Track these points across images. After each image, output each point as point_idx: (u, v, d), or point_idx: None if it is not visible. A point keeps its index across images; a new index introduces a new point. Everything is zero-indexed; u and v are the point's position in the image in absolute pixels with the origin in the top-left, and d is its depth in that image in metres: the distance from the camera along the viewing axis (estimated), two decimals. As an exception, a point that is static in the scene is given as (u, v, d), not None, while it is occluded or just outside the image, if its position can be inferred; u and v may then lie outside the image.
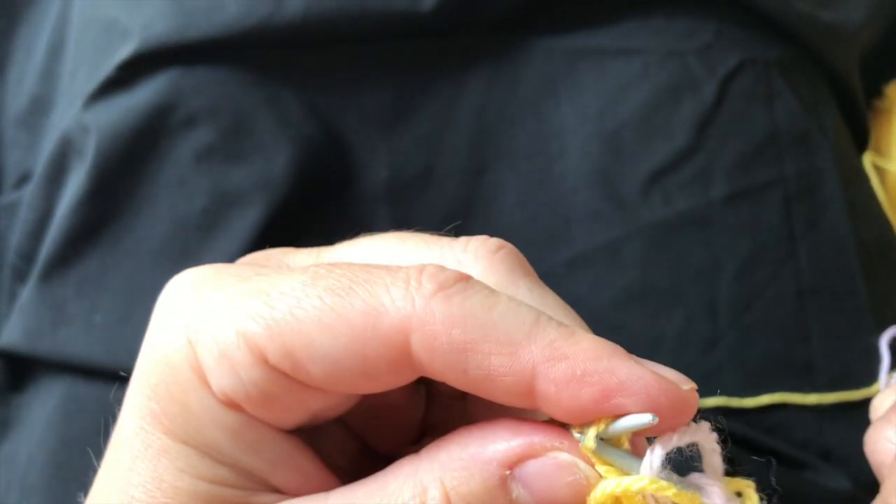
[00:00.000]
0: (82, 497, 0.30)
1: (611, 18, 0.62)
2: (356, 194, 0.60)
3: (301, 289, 0.26)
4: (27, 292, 0.57)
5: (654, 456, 0.25)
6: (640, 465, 0.25)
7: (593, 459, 0.25)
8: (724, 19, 0.62)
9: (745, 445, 0.54)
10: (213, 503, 0.27)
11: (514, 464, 0.25)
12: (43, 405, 0.55)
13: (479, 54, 0.61)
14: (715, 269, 0.57)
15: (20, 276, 0.60)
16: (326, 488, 0.28)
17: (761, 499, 0.27)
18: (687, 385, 0.26)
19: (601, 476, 0.25)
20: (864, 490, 0.52)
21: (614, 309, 0.57)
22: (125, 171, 0.57)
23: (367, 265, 0.27)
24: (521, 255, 0.31)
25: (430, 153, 0.60)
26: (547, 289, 0.30)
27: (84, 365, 0.54)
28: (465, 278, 0.26)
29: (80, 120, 0.58)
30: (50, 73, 0.63)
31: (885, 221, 0.66)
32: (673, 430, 0.25)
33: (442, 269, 0.26)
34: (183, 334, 0.27)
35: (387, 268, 0.26)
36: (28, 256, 0.60)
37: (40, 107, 0.63)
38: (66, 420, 0.54)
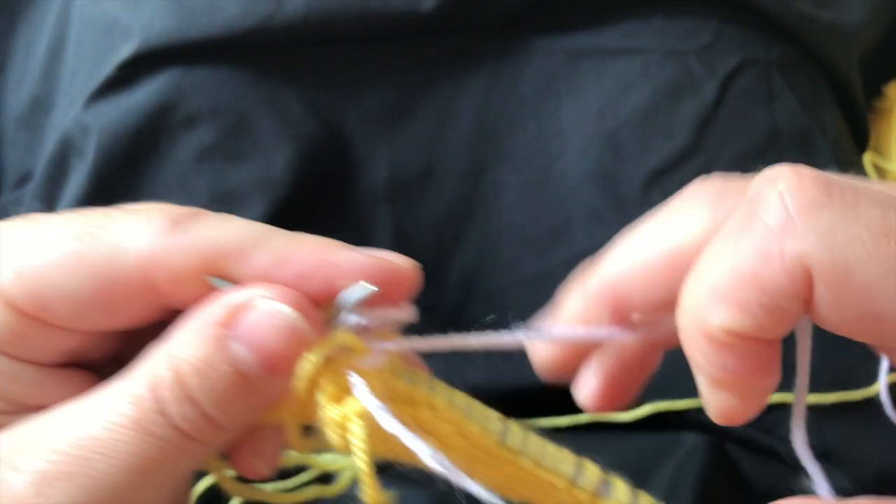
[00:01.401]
0: None
1: (611, 18, 0.62)
2: (356, 194, 0.60)
3: (49, 237, 0.28)
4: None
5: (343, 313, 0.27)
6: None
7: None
8: (724, 19, 0.62)
9: (745, 445, 0.54)
10: None
11: (228, 321, 0.26)
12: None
13: (480, 54, 0.61)
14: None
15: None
16: None
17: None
18: (403, 262, 0.29)
19: (310, 326, 0.27)
20: (865, 490, 0.52)
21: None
22: (126, 170, 0.57)
23: (110, 210, 0.29)
24: None
25: (431, 153, 0.60)
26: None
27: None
28: (195, 213, 0.28)
29: (81, 120, 0.58)
30: (50, 73, 0.63)
31: (885, 221, 0.66)
32: (396, 301, 0.28)
33: (174, 206, 0.28)
34: None
35: (124, 209, 0.28)
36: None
37: (41, 107, 0.64)
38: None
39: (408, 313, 0.29)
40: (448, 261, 0.60)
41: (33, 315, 0.27)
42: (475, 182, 0.60)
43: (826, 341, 0.59)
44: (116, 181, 0.57)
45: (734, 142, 0.60)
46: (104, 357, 0.30)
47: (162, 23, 0.58)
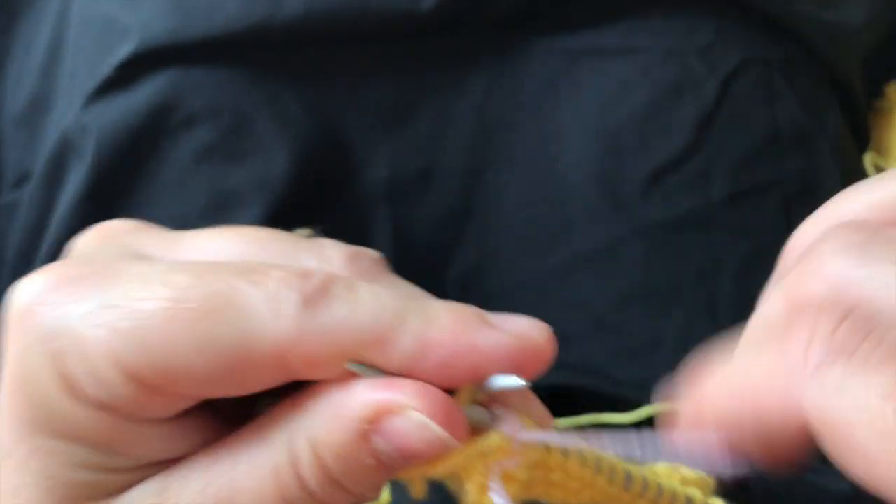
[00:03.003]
0: None
1: (611, 18, 0.62)
2: (356, 194, 0.59)
3: (170, 308, 0.26)
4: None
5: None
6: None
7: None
8: (724, 19, 0.62)
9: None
10: (107, 486, 0.27)
11: (373, 419, 0.26)
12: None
13: (480, 54, 0.61)
14: (715, 269, 0.57)
15: (20, 276, 0.60)
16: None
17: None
18: (541, 336, 0.28)
19: (458, 442, 0.26)
20: (865, 492, 0.52)
21: (614, 309, 0.57)
22: (125, 170, 0.57)
23: (232, 273, 0.26)
24: (377, 255, 0.31)
25: (431, 153, 0.60)
26: (403, 281, 0.31)
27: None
28: (326, 284, 0.26)
29: (80, 119, 0.58)
30: (49, 73, 0.63)
31: (885, 221, 0.66)
32: (530, 376, 0.27)
33: (303, 278, 0.26)
34: (49, 347, 0.26)
35: (252, 281, 0.26)
36: (28, 256, 0.60)
37: (39, 106, 0.63)
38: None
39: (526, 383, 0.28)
40: (448, 261, 0.60)
41: (157, 388, 0.26)
42: (475, 182, 0.60)
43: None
44: (115, 181, 0.57)
45: (734, 142, 0.60)
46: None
47: (161, 23, 0.57)
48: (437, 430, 0.26)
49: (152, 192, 0.57)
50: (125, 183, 0.57)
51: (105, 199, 0.57)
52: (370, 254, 0.31)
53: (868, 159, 0.70)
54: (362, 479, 0.27)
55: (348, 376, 0.26)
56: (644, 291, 0.57)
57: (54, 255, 0.57)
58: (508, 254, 0.59)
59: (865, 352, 0.24)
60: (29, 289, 0.28)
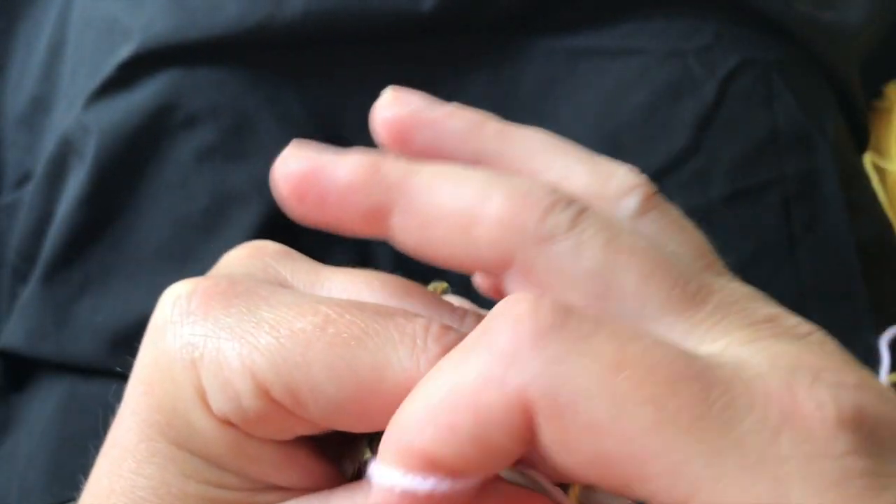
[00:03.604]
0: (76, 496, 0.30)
1: (611, 19, 0.62)
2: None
3: (312, 331, 0.26)
4: (28, 292, 0.57)
5: None
6: None
7: None
8: (723, 20, 0.62)
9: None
10: (215, 502, 0.28)
11: None
12: (43, 405, 0.55)
13: (479, 54, 0.61)
14: (715, 269, 0.57)
15: (21, 276, 0.60)
16: (331, 484, 0.28)
17: None
18: None
19: None
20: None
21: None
22: (126, 171, 0.57)
23: (376, 312, 0.27)
24: None
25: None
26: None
27: (86, 365, 0.54)
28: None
29: (81, 120, 0.58)
30: (50, 73, 0.63)
31: (885, 222, 0.66)
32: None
33: (446, 330, 0.26)
34: (188, 354, 0.27)
35: (395, 322, 0.26)
36: (29, 257, 0.60)
37: (40, 107, 0.64)
38: (67, 420, 0.54)
39: None
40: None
41: (284, 406, 0.26)
42: (475, 182, 0.60)
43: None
44: (116, 181, 0.57)
45: (734, 142, 0.60)
46: None
47: (162, 23, 0.58)
48: None
49: (153, 192, 0.57)
50: (126, 183, 0.57)
51: (106, 200, 0.57)
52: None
53: (867, 159, 0.70)
54: None
55: None
56: (644, 291, 0.57)
57: (56, 255, 0.57)
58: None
59: (583, 327, 0.22)
60: (178, 294, 0.28)
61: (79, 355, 0.55)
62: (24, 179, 0.64)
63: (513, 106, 0.61)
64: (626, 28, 0.61)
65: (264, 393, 0.26)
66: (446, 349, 0.25)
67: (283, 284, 0.30)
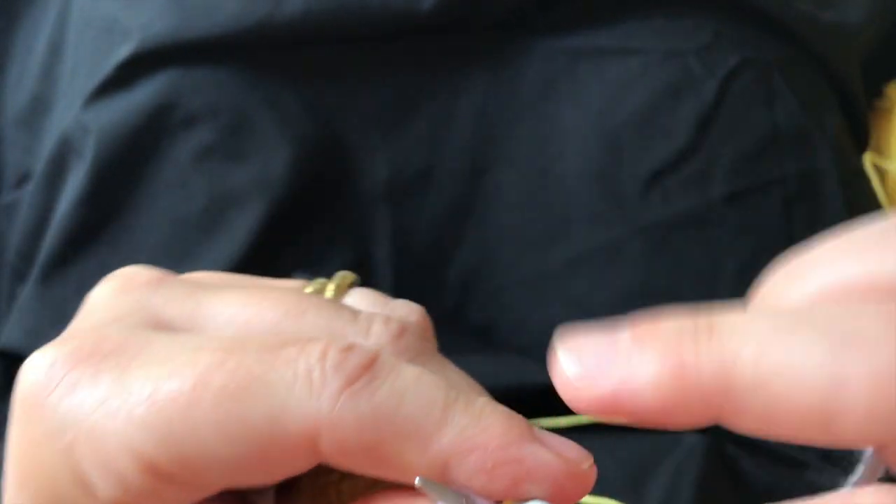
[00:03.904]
0: None
1: (611, 18, 0.62)
2: (356, 194, 0.59)
3: (192, 390, 0.23)
4: (27, 292, 0.57)
5: None
6: None
7: None
8: (724, 19, 0.62)
9: (744, 445, 0.54)
10: None
11: None
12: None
13: (479, 54, 0.61)
14: (715, 269, 0.57)
15: (20, 276, 0.60)
16: None
17: None
18: (586, 463, 0.25)
19: None
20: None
21: (614, 309, 0.57)
22: (125, 170, 0.57)
23: (263, 349, 0.24)
24: (421, 331, 0.29)
25: (430, 153, 0.60)
26: (449, 363, 0.29)
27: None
28: (371, 364, 0.24)
29: (80, 120, 0.58)
30: (49, 73, 0.63)
31: (885, 222, 0.66)
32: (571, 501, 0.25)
33: (346, 354, 0.24)
34: (61, 439, 0.24)
35: (286, 358, 0.24)
36: (27, 256, 0.60)
37: (40, 106, 0.63)
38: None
39: None
40: (448, 261, 0.60)
41: (175, 478, 0.24)
42: (475, 182, 0.60)
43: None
44: (115, 181, 0.57)
45: (734, 142, 0.60)
46: None
47: (161, 23, 0.57)
48: None
49: (152, 192, 0.57)
50: (125, 183, 0.57)
51: (105, 199, 0.57)
52: (418, 329, 0.28)
53: (868, 159, 0.70)
54: None
55: (380, 475, 0.24)
56: (644, 292, 0.57)
57: (55, 254, 0.57)
58: (508, 254, 0.60)
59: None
60: (39, 368, 0.26)
61: (78, 355, 0.55)
62: (23, 179, 0.64)
63: (513, 106, 0.61)
64: (626, 28, 0.61)
65: (151, 469, 0.23)
66: (350, 379, 0.23)
67: (159, 323, 0.27)
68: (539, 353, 0.55)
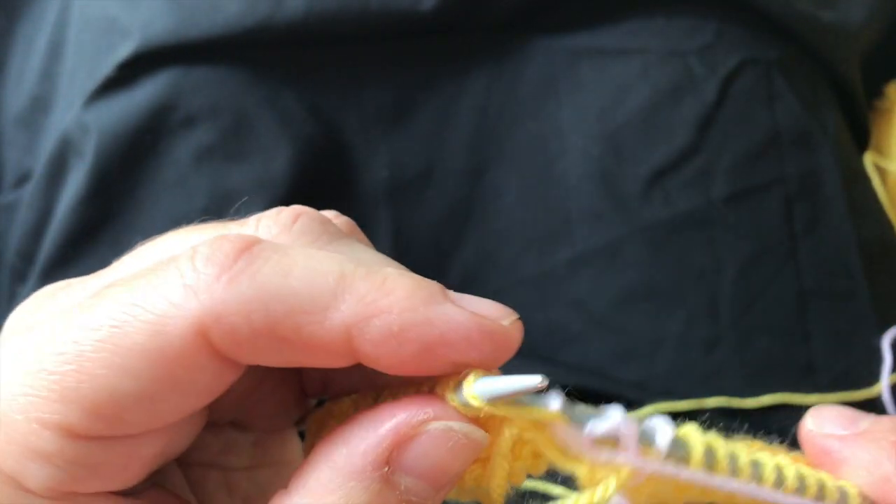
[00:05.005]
0: None
1: (611, 19, 0.62)
2: (356, 194, 0.59)
3: (73, 335, 0.22)
4: (27, 292, 0.57)
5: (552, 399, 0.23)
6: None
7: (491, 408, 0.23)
8: (724, 19, 0.62)
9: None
10: None
11: (388, 458, 0.22)
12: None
13: (480, 54, 0.61)
14: (716, 269, 0.57)
15: (20, 276, 0.60)
16: None
17: None
18: (508, 319, 0.23)
19: (483, 431, 0.23)
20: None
21: (615, 309, 0.57)
22: (125, 170, 0.57)
23: (133, 275, 0.23)
24: (322, 216, 0.27)
25: (431, 153, 0.60)
26: (359, 244, 0.27)
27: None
28: (248, 246, 0.23)
29: (80, 119, 0.58)
30: (50, 73, 0.63)
31: (886, 221, 0.66)
32: (495, 365, 0.24)
33: (217, 243, 0.22)
34: None
35: (154, 268, 0.23)
36: (28, 256, 0.60)
37: (40, 106, 0.63)
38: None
39: (533, 381, 0.24)
40: (448, 261, 0.60)
41: (98, 434, 0.22)
42: (475, 182, 0.60)
43: (828, 341, 0.59)
44: (115, 181, 0.57)
45: (735, 141, 0.60)
46: (192, 447, 0.26)
47: (161, 23, 0.57)
48: (459, 427, 0.22)
49: (152, 191, 0.57)
50: (125, 182, 0.57)
51: (105, 199, 0.57)
52: (317, 215, 0.27)
53: (868, 159, 0.70)
54: None
55: (289, 363, 0.23)
56: (644, 291, 0.57)
57: (55, 254, 0.57)
58: (509, 253, 0.59)
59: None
60: None
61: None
62: (23, 179, 0.64)
63: (513, 106, 0.61)
64: (627, 27, 0.61)
65: (71, 434, 0.22)
66: (224, 266, 0.22)
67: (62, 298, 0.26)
68: (540, 352, 0.55)
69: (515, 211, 0.60)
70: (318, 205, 0.63)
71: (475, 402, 0.23)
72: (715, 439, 0.26)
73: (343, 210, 0.65)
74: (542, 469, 0.25)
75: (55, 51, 0.63)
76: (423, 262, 0.59)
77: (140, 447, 0.23)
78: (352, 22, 0.59)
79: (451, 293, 0.23)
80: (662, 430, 0.24)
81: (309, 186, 0.58)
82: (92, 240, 0.57)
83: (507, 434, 0.24)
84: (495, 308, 0.23)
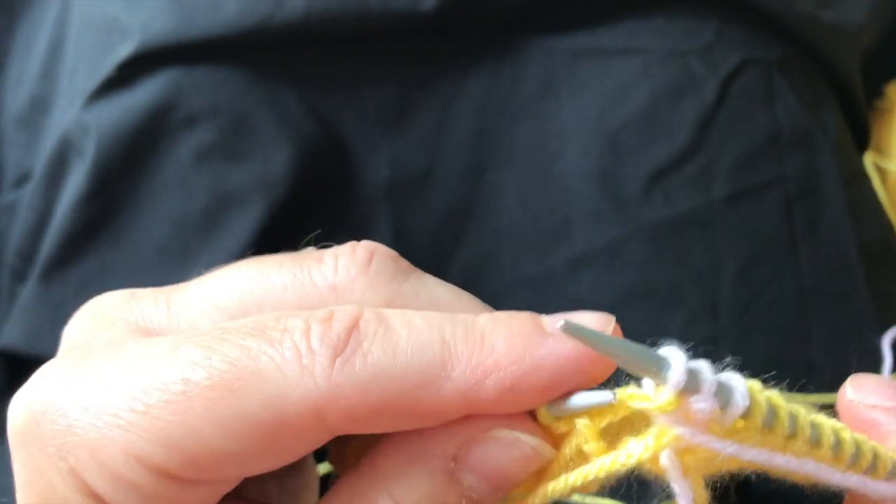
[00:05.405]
0: None
1: (611, 18, 0.62)
2: (356, 194, 0.59)
3: (186, 389, 0.23)
4: (27, 292, 0.57)
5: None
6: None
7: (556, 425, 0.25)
8: (724, 19, 0.62)
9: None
10: None
11: (456, 454, 0.23)
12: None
13: (480, 54, 0.61)
14: (716, 269, 0.57)
15: (20, 276, 0.60)
16: None
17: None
18: (608, 326, 0.26)
19: (551, 447, 0.25)
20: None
21: (615, 309, 0.57)
22: (125, 170, 0.57)
23: (245, 334, 0.23)
24: (392, 253, 0.29)
25: (431, 153, 0.60)
26: (432, 278, 0.28)
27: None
28: (354, 327, 0.23)
29: (80, 119, 0.58)
30: (50, 73, 0.63)
31: (886, 221, 0.66)
32: (602, 378, 0.25)
33: (326, 323, 0.23)
34: (66, 469, 0.24)
35: (268, 340, 0.23)
36: (27, 256, 0.60)
37: (40, 106, 0.63)
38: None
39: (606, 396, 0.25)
40: (448, 261, 0.60)
41: (190, 479, 0.23)
42: (475, 182, 0.60)
43: (828, 341, 0.59)
44: (116, 181, 0.57)
45: (735, 142, 0.60)
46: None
47: (161, 22, 0.57)
48: (529, 440, 0.23)
49: (152, 191, 0.57)
50: (126, 182, 0.57)
51: (106, 199, 0.57)
52: (387, 252, 0.28)
53: (868, 159, 0.70)
54: None
55: (404, 428, 0.24)
56: (644, 291, 0.57)
57: (55, 254, 0.57)
58: (509, 254, 0.59)
59: None
60: (31, 394, 0.25)
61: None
62: (23, 179, 0.64)
63: (513, 106, 0.61)
64: (627, 27, 0.61)
65: (161, 473, 0.23)
66: (338, 349, 0.23)
67: (137, 331, 0.27)
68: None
69: (515, 211, 0.60)
70: (319, 205, 0.63)
71: (545, 420, 0.24)
72: (775, 396, 0.26)
73: (343, 210, 0.65)
74: (592, 488, 0.26)
75: (55, 51, 0.63)
76: (423, 262, 0.59)
77: (225, 487, 0.24)
78: (352, 22, 0.59)
79: (545, 320, 0.24)
80: (739, 392, 0.25)
81: (309, 186, 0.58)
82: (92, 240, 0.57)
83: (567, 450, 0.25)
84: (595, 318, 0.25)
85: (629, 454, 0.25)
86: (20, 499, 0.26)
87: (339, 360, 0.23)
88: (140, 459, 0.23)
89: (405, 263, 0.29)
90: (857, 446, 0.27)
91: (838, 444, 0.27)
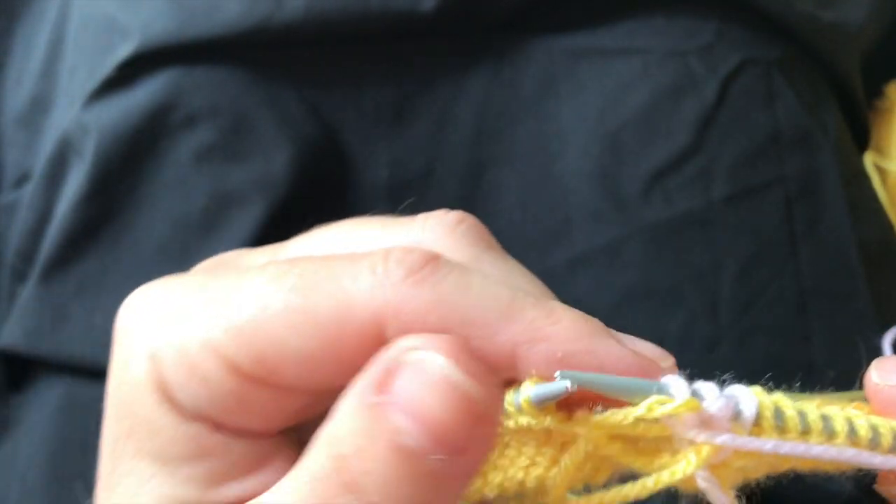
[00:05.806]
0: (86, 498, 0.30)
1: (611, 18, 0.62)
2: (356, 194, 0.59)
3: (264, 290, 0.24)
4: (27, 292, 0.57)
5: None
6: None
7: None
8: (724, 19, 0.62)
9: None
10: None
11: (379, 381, 0.22)
12: (43, 405, 0.55)
13: (480, 54, 0.61)
14: (716, 269, 0.57)
15: (19, 276, 0.60)
16: None
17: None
18: (666, 361, 0.25)
19: (479, 387, 0.23)
20: (866, 493, 0.52)
21: (615, 309, 0.57)
22: (125, 170, 0.57)
23: (328, 257, 0.25)
24: (482, 226, 0.31)
25: (431, 153, 0.60)
26: (513, 260, 0.30)
27: (84, 365, 0.54)
28: (434, 259, 0.25)
29: (80, 119, 0.58)
30: (49, 73, 0.63)
31: (886, 221, 0.66)
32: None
33: (408, 251, 0.25)
34: (145, 352, 0.25)
35: (350, 257, 0.25)
36: (27, 256, 0.60)
37: (40, 106, 0.63)
38: (67, 420, 0.54)
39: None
40: (448, 261, 0.60)
41: (256, 377, 0.24)
42: (475, 182, 0.60)
43: (828, 341, 0.59)
44: (116, 181, 0.57)
45: (735, 142, 0.60)
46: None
47: (161, 22, 0.57)
48: (438, 360, 0.22)
49: (152, 191, 0.57)
50: (126, 183, 0.57)
51: (106, 199, 0.57)
52: (477, 223, 0.29)
53: (868, 159, 0.70)
54: (396, 490, 0.22)
55: None
56: (644, 291, 0.57)
57: (55, 254, 0.57)
58: (509, 253, 0.59)
59: None
60: (131, 303, 0.28)
61: (77, 355, 0.55)
62: (23, 179, 0.64)
63: (513, 106, 0.61)
64: (627, 27, 0.61)
65: (233, 369, 0.24)
66: (412, 270, 0.24)
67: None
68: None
69: (515, 211, 0.60)
70: (319, 204, 0.64)
71: (525, 406, 0.24)
72: (781, 399, 0.26)
73: (343, 210, 0.65)
74: (601, 482, 0.26)
75: (55, 51, 0.63)
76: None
77: (286, 400, 0.25)
78: (352, 22, 0.59)
79: (614, 332, 0.25)
80: (746, 399, 0.25)
81: (309, 186, 0.58)
82: (92, 239, 0.57)
83: (582, 445, 0.25)
84: (655, 350, 0.26)
85: (672, 472, 0.25)
86: (108, 382, 0.27)
87: (411, 278, 0.24)
88: (214, 349, 0.24)
89: (491, 238, 0.30)
90: (874, 429, 0.27)
91: (853, 431, 0.27)
